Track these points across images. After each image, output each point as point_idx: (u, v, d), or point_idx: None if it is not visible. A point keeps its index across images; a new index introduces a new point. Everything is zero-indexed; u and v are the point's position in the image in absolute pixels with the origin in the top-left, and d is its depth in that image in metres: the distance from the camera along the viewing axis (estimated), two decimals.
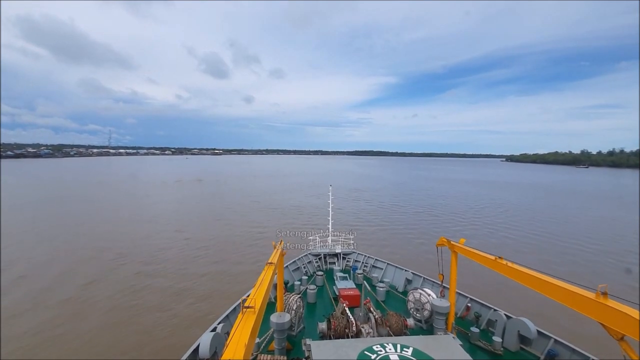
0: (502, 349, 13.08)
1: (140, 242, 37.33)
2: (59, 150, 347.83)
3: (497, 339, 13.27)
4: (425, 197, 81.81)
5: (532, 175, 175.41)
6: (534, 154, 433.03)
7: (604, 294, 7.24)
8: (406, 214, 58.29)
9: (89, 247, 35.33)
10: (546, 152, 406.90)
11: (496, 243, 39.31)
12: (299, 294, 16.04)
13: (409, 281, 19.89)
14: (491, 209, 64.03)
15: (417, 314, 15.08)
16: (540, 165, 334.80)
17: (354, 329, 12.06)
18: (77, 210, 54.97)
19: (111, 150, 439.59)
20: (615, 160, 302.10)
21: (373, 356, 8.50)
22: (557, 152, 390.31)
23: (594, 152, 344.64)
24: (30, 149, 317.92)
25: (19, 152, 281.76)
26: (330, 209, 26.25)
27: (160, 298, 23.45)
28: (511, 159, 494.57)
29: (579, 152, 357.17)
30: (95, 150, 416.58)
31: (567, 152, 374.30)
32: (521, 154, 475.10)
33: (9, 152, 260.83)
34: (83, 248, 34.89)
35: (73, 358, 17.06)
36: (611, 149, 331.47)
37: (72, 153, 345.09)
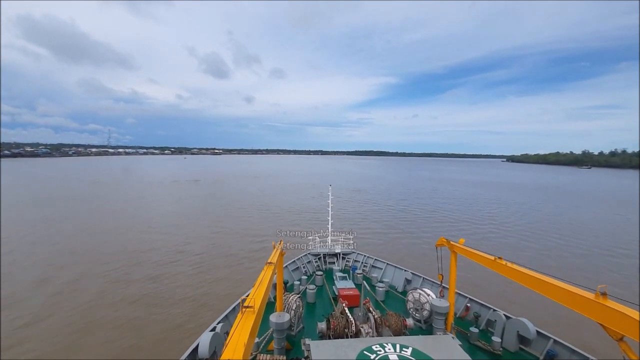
0: (501, 349, 13.07)
1: (129, 255, 32.84)
2: (57, 150, 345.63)
3: (496, 339, 13.28)
4: (432, 199, 79.04)
5: (536, 176, 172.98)
6: (535, 155, 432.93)
7: (604, 294, 7.23)
8: (413, 217, 56.51)
9: (72, 261, 31.01)
10: (547, 153, 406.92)
11: (527, 253, 36.26)
12: (298, 293, 16.04)
13: (408, 281, 19.88)
14: (507, 213, 60.93)
15: (417, 314, 15.10)
16: (542, 166, 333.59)
17: (354, 328, 12.06)
18: (63, 216, 50.84)
19: (110, 150, 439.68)
20: (617, 160, 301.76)
21: (372, 356, 8.50)
22: (558, 152, 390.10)
23: (596, 153, 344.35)
24: (28, 148, 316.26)
25: (17, 151, 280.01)
26: (329, 209, 26.25)
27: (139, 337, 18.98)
28: (512, 159, 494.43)
29: (580, 152, 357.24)
30: (94, 150, 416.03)
31: (569, 152, 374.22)
32: (522, 155, 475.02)
33: (6, 152, 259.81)
34: (66, 263, 30.36)
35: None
36: (613, 150, 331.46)
37: (70, 152, 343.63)
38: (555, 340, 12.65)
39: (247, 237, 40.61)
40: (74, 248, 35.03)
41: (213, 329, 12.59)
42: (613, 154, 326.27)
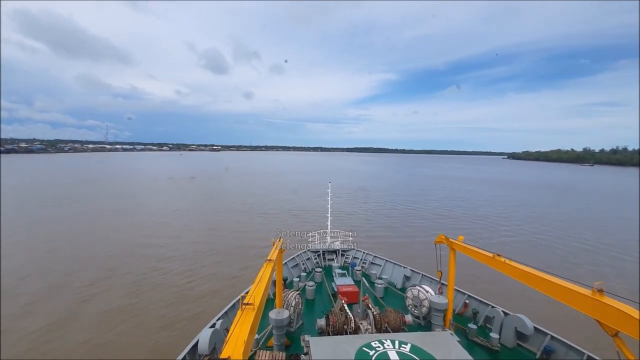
0: (499, 345, 13.19)
1: (113, 267, 29.37)
2: (52, 146, 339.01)
3: (494, 335, 13.38)
4: (445, 199, 75.55)
5: (543, 174, 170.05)
6: (536, 152, 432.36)
7: (600, 291, 7.31)
8: (418, 215, 54.76)
9: (49, 271, 27.95)
10: (549, 150, 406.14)
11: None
12: (297, 290, 16.13)
13: (407, 278, 19.99)
14: (528, 215, 57.50)
15: (415, 311, 15.21)
16: (544, 163, 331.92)
17: (353, 325, 12.16)
18: (43, 218, 47.79)
19: (107, 146, 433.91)
20: (619, 158, 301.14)
21: (371, 352, 8.56)
22: (559, 149, 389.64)
23: (597, 150, 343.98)
24: (23, 144, 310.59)
25: (10, 147, 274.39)
26: (329, 206, 26.35)
27: None
28: (513, 156, 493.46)
29: (581, 149, 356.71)
30: (90, 146, 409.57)
31: (570, 149, 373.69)
32: (523, 152, 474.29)
33: (0, 148, 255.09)
34: (43, 275, 27.18)
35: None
36: (614, 147, 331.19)
37: (66, 149, 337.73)
38: (552, 336, 12.78)
39: (248, 246, 36.65)
40: (52, 260, 30.93)
41: (212, 326, 12.69)
42: (614, 151, 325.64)
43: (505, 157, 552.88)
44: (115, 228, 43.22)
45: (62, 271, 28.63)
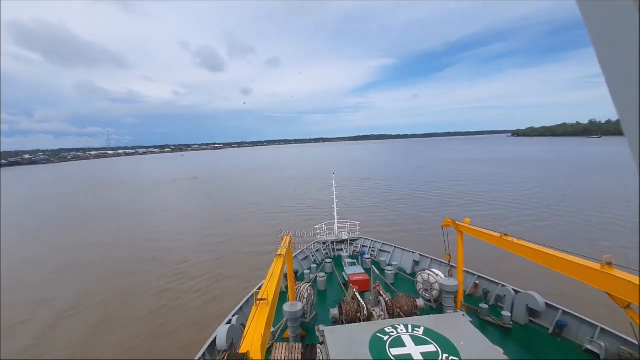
0: (511, 323, 13.33)
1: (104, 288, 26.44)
2: (55, 155, 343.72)
3: (506, 313, 13.52)
4: (464, 186, 68.08)
5: (553, 150, 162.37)
6: (541, 127, 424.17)
7: (609, 264, 7.33)
8: (430, 203, 51.28)
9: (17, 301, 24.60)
10: (554, 125, 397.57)
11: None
12: (309, 282, 16.39)
13: (416, 263, 20.15)
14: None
15: (427, 294, 15.41)
16: (551, 138, 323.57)
17: (365, 312, 12.40)
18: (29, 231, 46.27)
19: (110, 152, 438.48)
20: None
21: (385, 338, 8.72)
22: (565, 123, 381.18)
23: (603, 121, 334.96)
24: (27, 156, 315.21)
25: (14, 160, 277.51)
26: (334, 197, 26.42)
27: None
28: (517, 133, 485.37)
29: (587, 122, 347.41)
30: (93, 153, 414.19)
31: (576, 122, 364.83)
32: (527, 128, 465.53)
33: (2, 161, 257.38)
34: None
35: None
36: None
37: (69, 157, 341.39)
38: (564, 311, 12.87)
39: (252, 253, 33.22)
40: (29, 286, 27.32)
41: (229, 322, 13.03)
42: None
43: (509, 134, 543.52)
44: (125, 238, 42.65)
45: (74, 292, 26.30)
